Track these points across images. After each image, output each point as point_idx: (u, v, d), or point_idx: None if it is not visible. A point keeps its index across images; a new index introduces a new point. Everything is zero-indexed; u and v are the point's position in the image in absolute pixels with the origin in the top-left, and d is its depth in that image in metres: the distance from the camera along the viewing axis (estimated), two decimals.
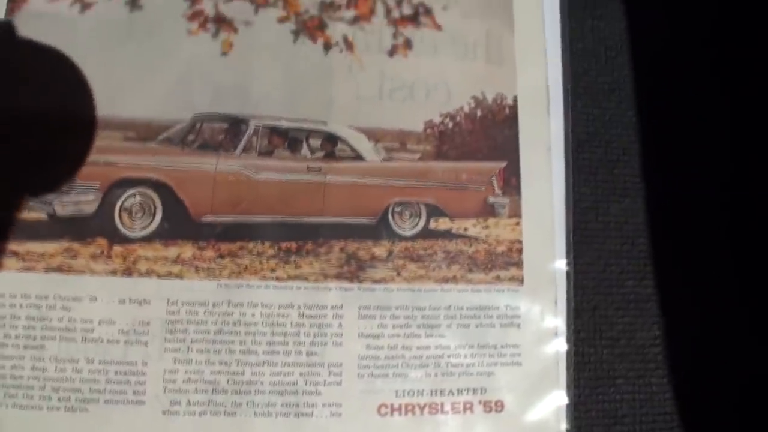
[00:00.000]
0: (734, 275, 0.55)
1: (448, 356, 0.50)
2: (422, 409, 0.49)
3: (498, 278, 0.52)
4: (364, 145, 0.52)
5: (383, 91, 0.53)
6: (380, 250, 0.51)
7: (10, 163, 0.47)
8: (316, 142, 0.52)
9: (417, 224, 0.53)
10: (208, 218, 0.50)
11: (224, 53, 0.52)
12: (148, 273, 0.48)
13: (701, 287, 0.55)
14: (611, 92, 0.57)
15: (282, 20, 0.53)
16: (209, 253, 0.49)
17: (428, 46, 0.54)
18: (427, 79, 0.54)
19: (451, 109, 0.54)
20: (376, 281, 0.50)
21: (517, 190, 0.53)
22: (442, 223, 0.53)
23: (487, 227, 0.53)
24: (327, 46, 0.53)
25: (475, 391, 0.50)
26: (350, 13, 0.54)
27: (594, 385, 0.53)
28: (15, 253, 0.47)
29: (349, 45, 0.53)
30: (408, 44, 0.54)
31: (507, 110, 0.54)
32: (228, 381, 0.47)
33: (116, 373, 0.46)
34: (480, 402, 0.50)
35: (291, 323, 0.49)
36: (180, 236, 0.49)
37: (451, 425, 0.50)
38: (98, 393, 0.46)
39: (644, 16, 0.58)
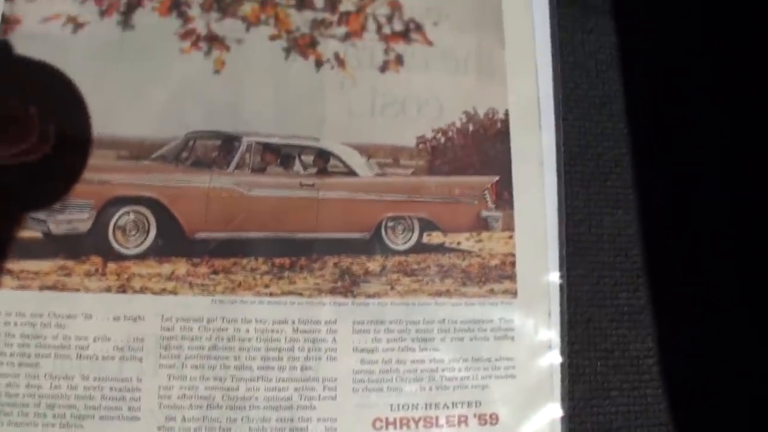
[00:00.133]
0: (729, 285, 0.56)
1: (443, 370, 0.50)
2: (417, 422, 0.49)
3: (492, 291, 0.52)
4: (356, 160, 0.53)
5: (375, 107, 0.53)
6: (374, 265, 0.51)
7: (4, 182, 0.47)
8: (308, 159, 0.52)
9: (410, 239, 0.53)
10: (202, 235, 0.50)
11: (216, 71, 0.52)
12: (143, 290, 0.48)
13: (695, 298, 0.55)
14: (602, 105, 0.57)
15: (273, 38, 0.53)
16: (203, 269, 0.49)
17: (419, 61, 0.55)
18: (419, 94, 0.54)
19: (443, 124, 0.54)
20: (370, 296, 0.51)
21: (509, 203, 0.54)
22: (436, 237, 0.53)
23: (480, 241, 0.53)
24: (318, 63, 0.53)
25: (469, 404, 0.50)
26: (341, 30, 0.54)
27: (588, 397, 0.53)
28: (10, 272, 0.47)
29: (340, 62, 0.54)
30: (399, 60, 0.54)
31: (498, 124, 0.54)
32: (223, 397, 0.47)
33: (111, 389, 0.46)
34: (475, 415, 0.50)
35: (285, 338, 0.49)
36: (174, 253, 0.49)
37: None
38: (93, 409, 0.46)
39: (634, 29, 0.59)
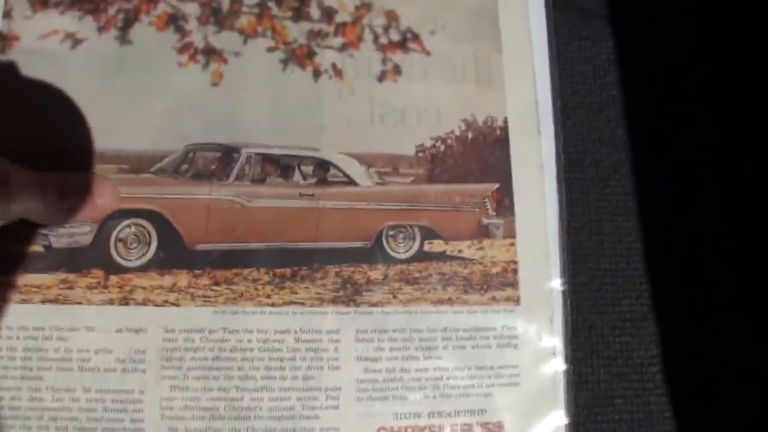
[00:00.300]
0: (732, 291, 0.55)
1: (447, 378, 0.50)
2: (421, 431, 0.49)
3: (494, 299, 0.52)
4: (356, 170, 0.53)
5: (374, 117, 0.54)
6: (375, 274, 0.51)
7: None
8: (308, 169, 0.53)
9: (411, 247, 0.53)
10: (203, 246, 0.50)
11: (215, 84, 0.52)
12: (145, 302, 0.48)
13: (699, 304, 0.55)
14: (600, 111, 0.57)
15: (271, 50, 0.53)
16: (204, 280, 0.49)
17: (417, 70, 0.55)
18: (418, 103, 0.54)
19: (442, 133, 0.54)
20: (372, 305, 0.50)
21: (510, 210, 0.54)
22: (437, 246, 0.53)
23: (481, 248, 0.53)
24: (316, 74, 0.53)
25: (473, 412, 0.50)
26: (338, 41, 0.54)
27: (592, 405, 0.53)
28: (11, 286, 0.47)
29: (338, 72, 0.54)
30: (397, 70, 0.55)
31: (498, 131, 0.55)
32: (226, 407, 0.47)
33: (114, 401, 0.46)
34: (479, 423, 0.50)
35: (287, 348, 0.49)
36: (175, 265, 0.49)
37: None
38: (96, 422, 0.46)
39: (631, 34, 0.59)
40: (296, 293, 0.50)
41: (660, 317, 0.54)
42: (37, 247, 0.48)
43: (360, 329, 0.50)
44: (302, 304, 0.50)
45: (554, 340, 0.52)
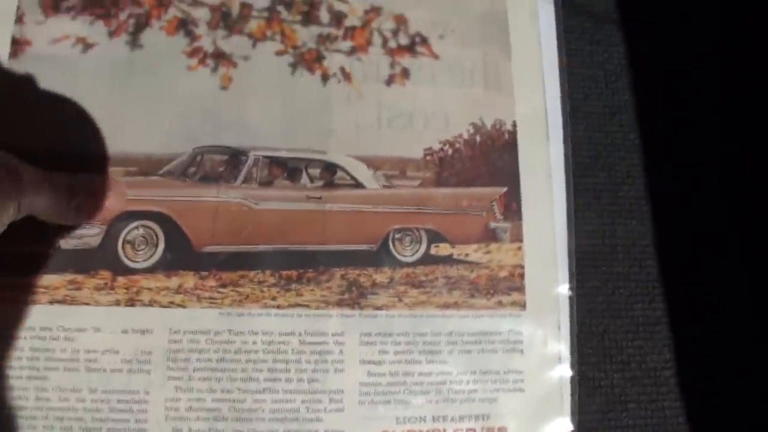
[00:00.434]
0: (746, 295, 0.55)
1: (451, 382, 0.50)
2: None
3: (500, 303, 0.52)
4: (363, 173, 0.53)
5: (382, 120, 0.54)
6: (381, 277, 0.51)
7: None
8: (315, 172, 0.53)
9: (418, 250, 0.53)
10: (210, 248, 0.50)
11: (224, 87, 0.53)
12: (151, 303, 0.49)
13: (712, 308, 0.54)
14: (612, 116, 0.57)
15: (280, 53, 0.54)
16: (211, 282, 0.50)
17: (426, 74, 0.55)
18: (426, 106, 0.54)
19: (450, 136, 0.54)
20: (377, 308, 0.51)
21: (518, 215, 0.53)
22: (443, 249, 0.53)
23: (488, 252, 0.53)
24: (325, 77, 0.54)
25: (477, 417, 0.50)
26: (347, 45, 0.55)
27: (605, 410, 0.52)
28: (19, 287, 0.48)
29: (346, 75, 0.54)
30: (405, 73, 0.55)
31: (506, 136, 0.54)
32: (229, 409, 0.47)
33: (119, 401, 0.47)
34: (483, 429, 0.50)
35: (292, 350, 0.49)
36: (182, 266, 0.50)
37: None
38: (101, 422, 0.46)
39: (642, 38, 0.58)
40: (302, 296, 0.50)
41: (673, 321, 0.54)
42: (46, 248, 0.48)
43: (364, 332, 0.50)
44: (307, 306, 0.50)
45: (560, 346, 0.51)
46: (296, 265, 0.51)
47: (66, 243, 0.49)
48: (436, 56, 0.55)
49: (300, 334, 0.49)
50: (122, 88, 0.52)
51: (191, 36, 0.53)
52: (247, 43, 0.54)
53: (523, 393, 0.50)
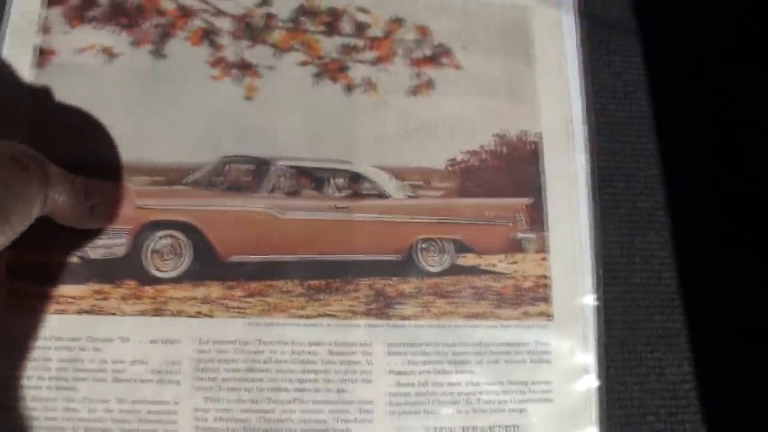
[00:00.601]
0: (766, 307, 0.55)
1: (479, 393, 0.50)
2: None
3: (527, 314, 0.52)
4: (388, 183, 0.53)
5: (407, 130, 0.54)
6: (408, 287, 0.51)
7: None
8: (341, 182, 0.53)
9: (444, 260, 0.53)
10: (237, 258, 0.50)
11: (248, 97, 0.53)
12: (178, 313, 0.48)
13: (732, 320, 0.54)
14: (631, 126, 0.57)
15: (304, 64, 0.54)
16: (238, 292, 0.49)
17: (450, 85, 0.55)
18: (450, 117, 0.54)
19: (474, 147, 0.54)
20: (404, 318, 0.50)
21: (543, 225, 0.53)
22: (470, 259, 0.53)
23: (514, 263, 0.53)
24: (349, 88, 0.54)
25: (507, 428, 0.50)
26: (371, 55, 0.55)
27: (625, 422, 0.52)
28: (47, 297, 0.47)
29: (371, 86, 0.54)
30: (430, 84, 0.55)
31: (530, 146, 0.55)
32: (258, 419, 0.47)
33: (148, 412, 0.46)
34: None
35: (320, 361, 0.49)
36: (209, 276, 0.50)
37: None
38: None
39: (659, 48, 0.59)
40: (329, 305, 0.50)
41: (693, 333, 0.54)
42: (73, 258, 0.48)
43: (392, 342, 0.50)
44: (335, 316, 0.50)
45: (587, 357, 0.51)
46: (323, 274, 0.51)
47: (93, 252, 0.48)
48: (459, 67, 0.55)
49: (328, 344, 0.49)
50: (147, 97, 0.52)
51: (215, 46, 0.53)
52: (271, 53, 0.54)
53: (551, 403, 0.50)
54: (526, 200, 0.54)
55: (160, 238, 0.50)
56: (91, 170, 0.48)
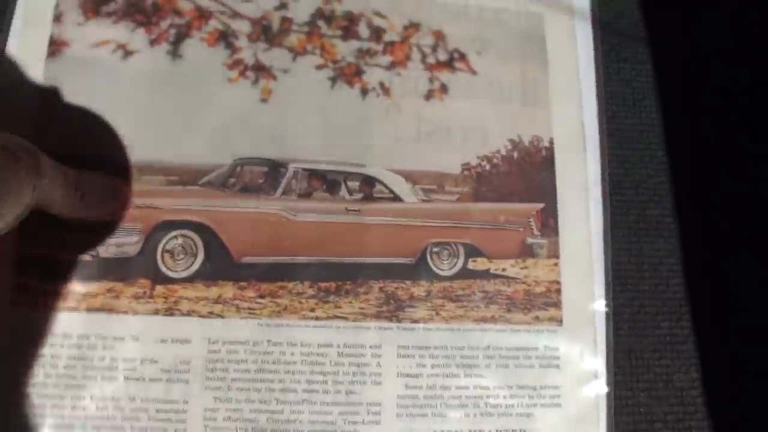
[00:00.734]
0: None
1: (488, 397, 0.50)
2: None
3: (537, 319, 0.52)
4: (401, 186, 0.53)
5: (420, 134, 0.54)
6: (419, 290, 0.51)
7: None
8: (354, 184, 0.53)
9: (455, 264, 0.53)
10: (249, 259, 0.50)
11: (263, 100, 0.53)
12: (190, 313, 0.48)
13: (739, 327, 0.54)
14: (640, 133, 0.57)
15: (320, 67, 0.54)
16: (250, 293, 0.49)
17: (464, 90, 0.55)
18: (464, 122, 0.55)
19: (488, 152, 0.54)
20: (414, 321, 0.51)
21: (554, 231, 0.54)
22: (481, 264, 0.53)
23: (525, 268, 0.53)
24: (364, 92, 0.54)
25: None
26: (386, 60, 0.55)
27: (632, 429, 0.52)
28: (57, 294, 0.47)
29: (385, 90, 0.54)
30: (444, 88, 0.55)
31: (543, 152, 0.55)
32: (267, 419, 0.47)
33: (158, 411, 0.47)
34: None
35: (330, 362, 0.49)
36: (221, 277, 0.50)
37: None
38: (139, 431, 0.46)
39: (669, 56, 0.59)
40: (340, 307, 0.50)
41: (700, 340, 0.54)
42: (85, 256, 0.48)
43: (402, 345, 0.50)
44: (345, 318, 0.50)
45: (597, 362, 0.52)
46: (334, 276, 0.51)
47: (105, 251, 0.49)
48: (474, 72, 0.56)
49: (338, 346, 0.49)
50: (162, 97, 0.52)
51: (232, 48, 0.53)
52: (287, 56, 0.54)
53: (559, 408, 0.50)
54: (538, 205, 0.54)
55: (173, 237, 0.50)
56: (96, 165, 0.48)
